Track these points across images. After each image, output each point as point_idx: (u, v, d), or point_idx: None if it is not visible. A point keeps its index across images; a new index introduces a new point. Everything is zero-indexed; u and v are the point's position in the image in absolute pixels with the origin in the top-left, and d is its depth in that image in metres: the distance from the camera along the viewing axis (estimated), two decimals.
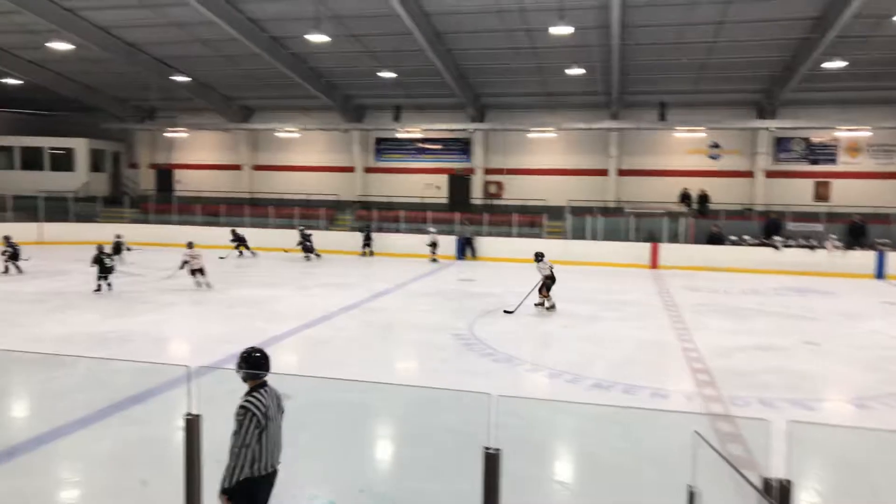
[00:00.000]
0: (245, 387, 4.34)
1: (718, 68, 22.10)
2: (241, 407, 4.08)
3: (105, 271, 15.59)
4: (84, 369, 9.28)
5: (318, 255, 23.27)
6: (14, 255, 17.82)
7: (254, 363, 4.38)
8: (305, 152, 29.99)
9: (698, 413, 7.83)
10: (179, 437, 7.37)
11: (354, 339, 11.72)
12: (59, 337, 10.97)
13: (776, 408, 8.05)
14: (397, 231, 25.87)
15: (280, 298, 15.36)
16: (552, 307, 14.39)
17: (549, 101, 26.12)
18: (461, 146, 28.33)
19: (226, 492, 3.96)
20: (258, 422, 4.05)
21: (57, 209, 27.89)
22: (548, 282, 14.39)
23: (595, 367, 10.00)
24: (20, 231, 25.57)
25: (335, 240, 25.49)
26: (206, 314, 13.63)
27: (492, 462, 3.34)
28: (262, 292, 16.15)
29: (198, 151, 31.44)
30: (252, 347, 4.58)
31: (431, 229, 24.40)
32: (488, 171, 28.12)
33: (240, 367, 4.37)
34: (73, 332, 11.46)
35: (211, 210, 28.31)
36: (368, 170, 29.38)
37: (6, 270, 17.67)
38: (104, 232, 23.85)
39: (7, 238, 18.26)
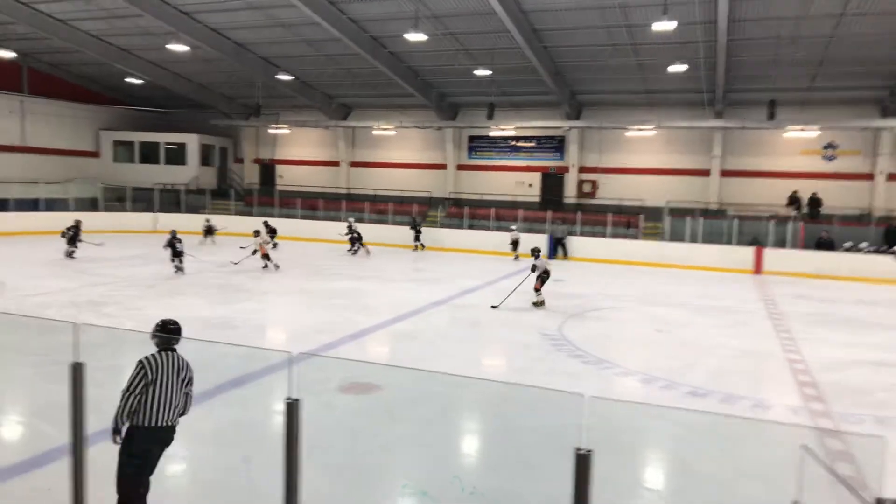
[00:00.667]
0: None
1: (837, 64, 20.66)
2: (139, 361, 4.59)
3: (176, 255, 16.91)
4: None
5: (367, 251, 23.03)
6: (179, 253, 17.14)
7: (164, 331, 4.95)
8: (400, 149, 30.53)
9: (806, 426, 7.35)
10: (277, 419, 7.69)
11: (443, 334, 11.82)
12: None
13: (894, 427, 7.45)
14: (487, 229, 25.87)
15: (371, 292, 15.70)
16: (542, 303, 14.26)
17: (649, 99, 25.32)
18: (555, 144, 27.97)
19: (115, 431, 4.51)
20: (145, 374, 4.56)
21: (170, 200, 29.76)
22: (544, 276, 14.31)
23: (690, 374, 9.61)
24: (137, 220, 27.57)
25: (427, 236, 25.81)
26: (302, 304, 14.14)
27: (583, 463, 3.27)
28: (355, 285, 16.58)
29: (299, 147, 32.66)
30: (168, 319, 5.15)
31: (513, 227, 24.22)
32: (583, 170, 27.61)
33: (154, 333, 4.94)
34: (180, 316, 12.12)
35: (310, 204, 29.36)
36: (461, 167, 29.55)
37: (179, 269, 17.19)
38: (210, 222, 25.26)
39: (173, 232, 17.76)
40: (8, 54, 24.82)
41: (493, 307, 13.86)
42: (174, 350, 4.82)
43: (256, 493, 5.45)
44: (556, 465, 6.06)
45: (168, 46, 22.19)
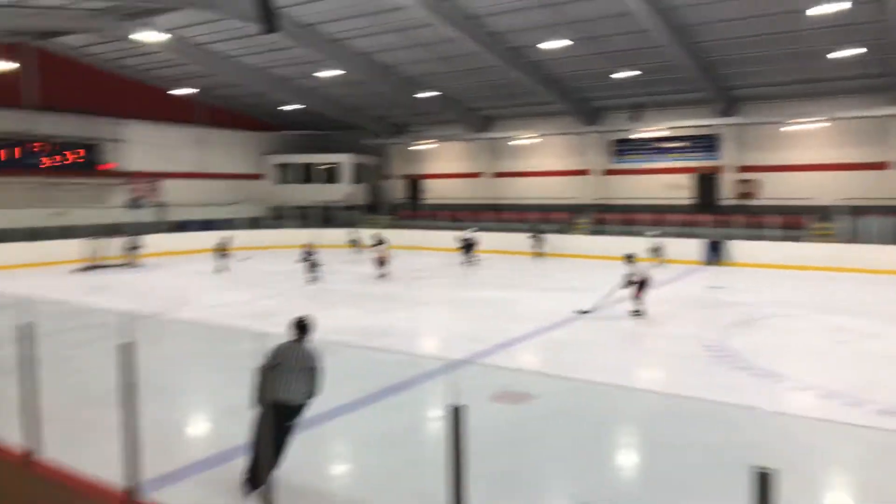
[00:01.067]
0: None
1: None
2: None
3: (312, 267, 18.51)
4: (351, 358, 10.34)
5: (476, 259, 22.80)
6: (314, 265, 18.76)
7: (298, 326, 5.68)
8: (542, 157, 30.32)
9: None
10: (432, 426, 7.86)
11: (595, 343, 11.51)
12: (330, 329, 12.34)
13: None
14: (638, 234, 24.92)
15: (520, 301, 15.66)
16: (640, 313, 13.28)
17: (812, 89, 23.19)
18: (708, 143, 26.42)
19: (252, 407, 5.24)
20: (266, 356, 5.33)
21: (326, 217, 31.67)
22: (642, 283, 13.32)
23: (879, 391, 8.60)
24: (297, 236, 29.51)
25: (574, 244, 25.38)
26: (452, 314, 14.40)
27: (764, 484, 3.00)
28: (503, 294, 16.63)
29: (443, 161, 33.48)
30: (302, 316, 5.75)
31: (648, 233, 23.16)
32: (741, 169, 25.84)
33: (290, 327, 5.72)
34: (340, 325, 12.82)
35: (455, 216, 29.96)
36: (606, 172, 28.78)
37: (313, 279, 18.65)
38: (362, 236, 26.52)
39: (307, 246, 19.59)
40: (187, 91, 27.75)
41: (584, 312, 13.50)
42: (301, 341, 5.59)
43: (421, 498, 5.58)
44: (727, 484, 5.67)
45: (317, 74, 23.61)
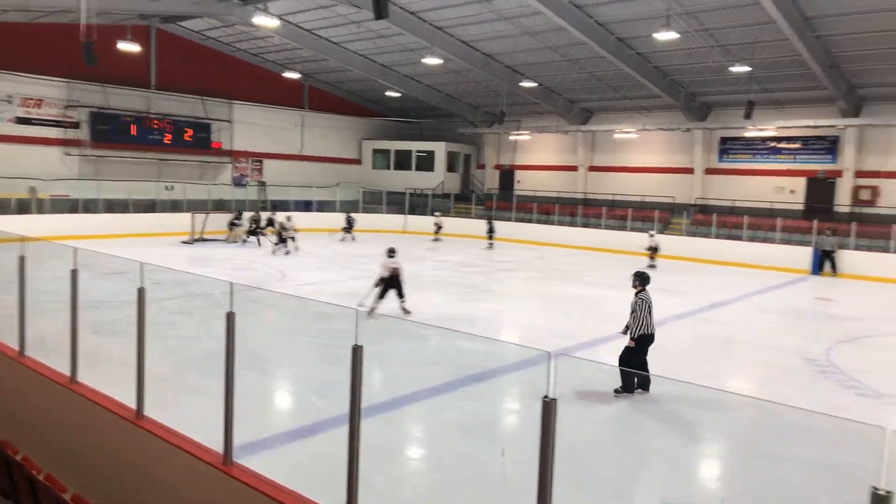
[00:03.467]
0: None
1: None
2: (637, 298, 8.13)
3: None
4: (435, 344, 10.42)
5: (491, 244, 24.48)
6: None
7: (642, 277, 8.47)
8: (642, 153, 29.36)
9: None
10: (513, 418, 7.80)
11: (689, 350, 11.05)
12: (416, 314, 12.49)
13: None
14: (741, 239, 23.74)
15: (611, 299, 15.28)
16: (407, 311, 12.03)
17: None
18: (826, 145, 24.72)
19: (633, 339, 8.00)
20: (647, 305, 8.06)
21: (418, 204, 32.07)
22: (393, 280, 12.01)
23: None
24: (390, 222, 30.12)
25: (669, 245, 24.51)
26: (538, 308, 14.24)
27: None
28: (592, 292, 16.29)
29: (537, 153, 33.09)
30: (642, 270, 8.68)
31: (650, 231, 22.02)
32: (860, 174, 24.03)
33: (636, 278, 8.44)
34: (423, 311, 12.92)
35: (546, 209, 29.59)
36: (709, 171, 27.52)
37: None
38: (457, 225, 26.70)
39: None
40: (294, 75, 28.74)
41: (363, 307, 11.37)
42: (645, 290, 8.22)
43: (503, 488, 5.55)
44: (837, 502, 5.32)
45: (423, 60, 23.93)
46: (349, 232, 26.14)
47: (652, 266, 20.80)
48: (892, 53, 19.32)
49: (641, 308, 7.98)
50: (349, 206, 31.49)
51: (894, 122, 22.22)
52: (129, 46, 21.67)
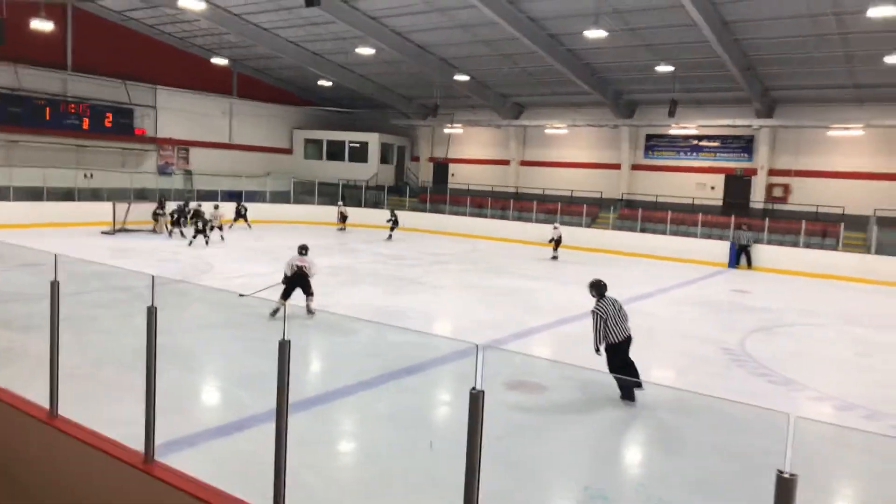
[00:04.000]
0: None
1: None
2: (593, 311, 7.93)
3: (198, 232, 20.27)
4: (365, 338, 10.39)
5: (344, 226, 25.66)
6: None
7: (597, 287, 8.13)
8: (571, 148, 30.04)
9: None
10: (443, 410, 7.88)
11: None
12: (347, 307, 12.43)
13: None
14: (664, 233, 24.65)
15: (542, 291, 15.60)
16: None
17: (858, 94, 22.63)
18: (742, 144, 25.97)
19: (597, 352, 7.84)
20: (600, 317, 7.78)
21: (351, 196, 31.76)
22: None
23: None
24: (323, 213, 29.70)
25: (596, 238, 25.20)
26: (471, 300, 14.40)
27: (786, 487, 2.96)
28: (524, 284, 16.58)
29: (471, 146, 33.33)
30: (597, 279, 8.26)
31: (556, 225, 23.18)
32: (773, 172, 25.38)
33: (591, 288, 8.19)
34: (356, 303, 12.88)
35: (479, 202, 29.88)
36: (635, 167, 28.44)
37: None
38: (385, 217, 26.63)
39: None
40: (222, 61, 27.87)
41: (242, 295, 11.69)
42: (605, 296, 8.02)
43: (433, 479, 5.60)
44: (746, 485, 5.63)
45: (356, 50, 23.65)
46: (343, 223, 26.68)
47: (554, 258, 21.57)
48: (803, 58, 20.42)
49: (596, 320, 7.77)
50: (281, 197, 30.89)
51: (805, 123, 23.55)
52: (42, 24, 20.50)
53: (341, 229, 27.08)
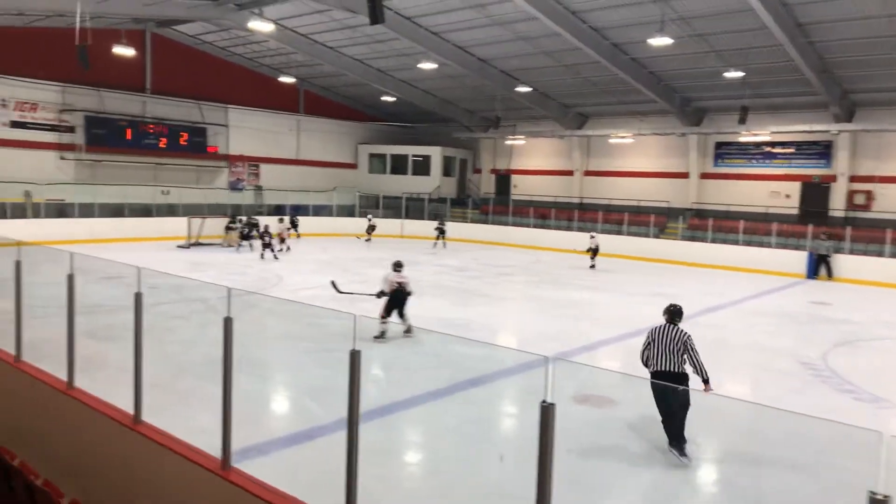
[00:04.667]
0: None
1: None
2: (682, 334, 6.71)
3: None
4: (431, 349, 10.43)
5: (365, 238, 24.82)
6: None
7: (672, 312, 7.03)
8: (637, 157, 29.47)
9: None
10: (511, 423, 7.81)
11: None
12: (412, 318, 12.48)
13: None
14: (737, 243, 23.82)
15: (606, 304, 15.32)
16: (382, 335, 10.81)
17: None
18: (819, 150, 24.86)
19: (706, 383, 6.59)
20: (648, 338, 6.79)
21: (415, 208, 32.11)
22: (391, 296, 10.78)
23: None
24: (387, 226, 30.13)
25: (665, 249, 24.59)
26: (535, 311, 14.26)
27: None
28: (589, 296, 16.32)
29: (533, 157, 33.16)
30: (673, 304, 7.14)
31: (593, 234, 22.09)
32: (854, 179, 24.16)
33: (666, 311, 7.05)
34: (422, 315, 12.92)
35: (541, 213, 29.66)
36: (704, 175, 27.64)
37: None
38: (449, 229, 26.76)
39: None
40: (289, 80, 28.76)
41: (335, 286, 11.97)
42: (676, 325, 6.83)
43: (502, 491, 5.55)
44: None
45: (418, 65, 23.98)
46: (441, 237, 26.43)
47: (592, 267, 20.99)
48: (884, 59, 19.47)
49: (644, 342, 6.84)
50: (346, 211, 31.51)
51: (887, 127, 22.37)
52: (123, 50, 21.68)
53: (368, 241, 27.09)
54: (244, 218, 24.56)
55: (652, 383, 6.68)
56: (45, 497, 4.16)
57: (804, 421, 6.62)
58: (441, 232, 26.33)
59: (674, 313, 6.99)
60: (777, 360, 10.58)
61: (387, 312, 10.61)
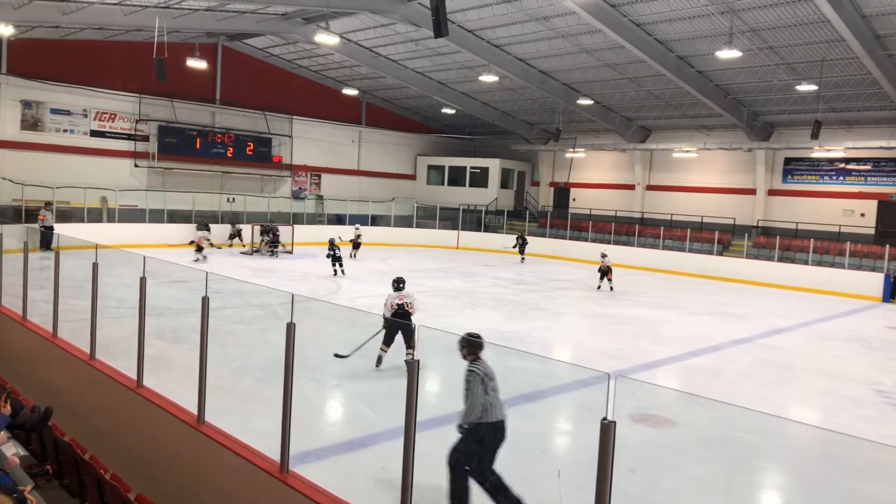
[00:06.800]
0: None
1: None
2: (469, 371, 5.19)
3: (336, 260, 19.26)
4: (488, 361, 10.35)
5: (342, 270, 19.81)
6: (337, 259, 19.29)
7: (472, 343, 5.34)
8: (702, 172, 28.72)
9: None
10: (566, 440, 7.68)
11: (747, 375, 10.70)
12: (467, 330, 12.46)
13: None
14: (806, 262, 22.91)
15: (667, 321, 14.95)
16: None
17: None
18: None
19: (461, 428, 5.12)
20: (481, 380, 5.11)
21: (471, 220, 32.15)
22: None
23: None
24: (442, 237, 30.26)
25: (730, 267, 23.86)
26: (592, 327, 14.04)
27: None
28: (649, 313, 15.96)
29: (593, 171, 32.75)
30: (471, 333, 5.46)
31: (605, 253, 20.18)
32: None
33: (462, 344, 5.34)
34: (478, 327, 12.88)
35: (601, 227, 29.22)
36: (772, 192, 26.71)
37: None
38: (504, 240, 26.69)
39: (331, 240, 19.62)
40: (352, 92, 29.33)
41: (340, 356, 9.42)
42: (480, 358, 5.36)
43: None
44: None
45: (480, 78, 24.08)
46: (521, 251, 26.14)
47: (607, 288, 19.26)
48: None
49: (472, 382, 5.29)
50: (404, 221, 31.81)
51: None
52: (196, 63, 22.56)
53: (352, 256, 23.77)
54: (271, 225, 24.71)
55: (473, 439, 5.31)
56: (114, 490, 4.32)
57: (879, 450, 6.29)
58: (522, 243, 26.07)
59: (475, 345, 5.46)
60: (848, 387, 10.09)
61: (386, 341, 9.07)
